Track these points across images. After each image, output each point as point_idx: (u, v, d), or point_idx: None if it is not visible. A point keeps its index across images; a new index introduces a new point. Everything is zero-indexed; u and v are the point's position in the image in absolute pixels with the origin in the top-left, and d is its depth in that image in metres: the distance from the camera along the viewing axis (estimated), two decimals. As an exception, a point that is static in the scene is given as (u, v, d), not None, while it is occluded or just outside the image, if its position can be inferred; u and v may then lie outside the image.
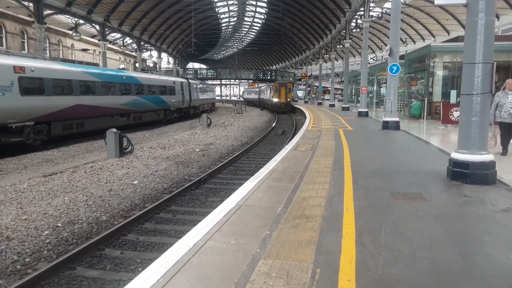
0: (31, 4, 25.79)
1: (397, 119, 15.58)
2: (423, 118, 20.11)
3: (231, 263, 3.40)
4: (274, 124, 27.05)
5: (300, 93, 72.50)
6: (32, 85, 15.31)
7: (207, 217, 4.68)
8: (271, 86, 44.57)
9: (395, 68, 15.05)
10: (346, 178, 6.79)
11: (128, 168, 11.12)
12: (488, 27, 6.19)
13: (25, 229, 6.41)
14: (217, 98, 71.02)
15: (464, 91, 6.44)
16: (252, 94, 67.87)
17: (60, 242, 6.16)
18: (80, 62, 20.68)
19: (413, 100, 23.36)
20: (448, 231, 4.24)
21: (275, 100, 41.29)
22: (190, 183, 9.68)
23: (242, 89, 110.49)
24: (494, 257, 3.61)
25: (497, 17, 35.45)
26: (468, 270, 3.34)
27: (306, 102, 58.97)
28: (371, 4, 25.14)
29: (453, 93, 18.65)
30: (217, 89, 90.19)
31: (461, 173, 6.35)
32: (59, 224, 6.74)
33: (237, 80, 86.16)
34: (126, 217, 7.37)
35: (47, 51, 32.84)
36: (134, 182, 9.73)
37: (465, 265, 3.44)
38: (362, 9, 26.48)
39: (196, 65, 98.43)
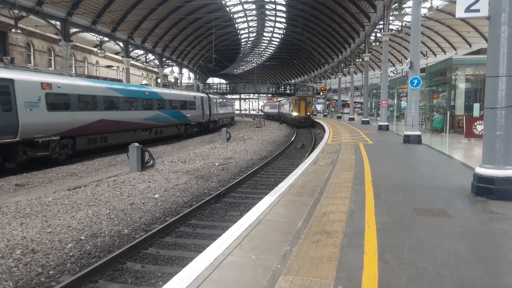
0: (58, 23, 26.78)
1: (418, 133, 15.35)
2: (446, 132, 19.74)
3: (252, 279, 3.40)
4: (293, 138, 26.99)
5: (319, 107, 72.32)
6: (58, 101, 15.79)
7: (227, 232, 4.70)
8: (290, 100, 43.67)
9: (416, 81, 14.90)
10: (367, 193, 6.71)
11: (150, 182, 11.27)
12: (511, 39, 6.10)
13: (49, 242, 6.55)
14: (236, 112, 71.53)
15: (488, 104, 6.33)
16: (273, 108, 67.24)
17: (83, 255, 6.26)
18: (104, 78, 21.25)
19: (435, 113, 23.00)
20: (474, 249, 4.13)
21: (295, 114, 40.42)
22: (209, 197, 9.73)
23: (261, 103, 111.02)
24: (523, 276, 3.49)
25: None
26: (496, 290, 3.24)
27: (325, 116, 58.75)
28: (391, 18, 25.07)
29: (476, 106, 18.28)
30: (236, 103, 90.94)
31: (486, 188, 6.20)
32: (83, 237, 6.86)
33: (256, 95, 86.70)
34: (147, 230, 7.45)
35: (73, 68, 33.93)
36: (155, 196, 9.84)
37: (492, 283, 3.34)
38: (381, 22, 26.43)
39: (216, 80, 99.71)
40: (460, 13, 6.48)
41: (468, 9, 6.40)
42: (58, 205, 8.72)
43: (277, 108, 59.38)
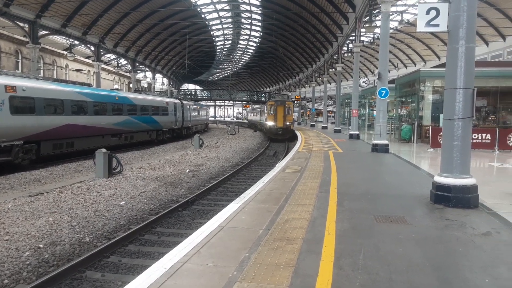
0: (26, 25, 26.03)
1: (386, 142, 15.71)
2: (413, 141, 20.30)
3: (206, 286, 3.38)
4: (266, 146, 27.10)
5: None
6: (23, 105, 15.30)
7: (187, 239, 4.66)
8: (266, 106, 36.40)
9: (384, 92, 15.28)
10: (331, 200, 6.80)
11: (116, 189, 11.05)
12: (468, 54, 6.36)
13: (5, 250, 6.32)
14: (211, 119, 71.18)
15: (446, 115, 6.56)
16: (253, 115, 57.57)
17: (41, 263, 6.06)
18: (73, 82, 20.75)
19: (403, 123, 23.63)
20: (427, 255, 4.25)
21: (270, 123, 32.51)
22: (177, 204, 9.64)
23: (236, 110, 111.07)
24: (470, 281, 3.62)
25: (486, 43, 36.39)
26: (443, 294, 3.34)
27: (299, 124, 59.29)
28: (362, 30, 25.69)
29: (442, 117, 18.87)
30: (211, 110, 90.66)
31: (443, 196, 6.40)
32: (41, 245, 6.64)
33: (231, 102, 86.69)
34: (110, 238, 7.29)
35: (41, 71, 32.98)
36: (121, 203, 9.65)
37: (441, 289, 3.44)
38: (353, 34, 27.04)
39: (191, 86, 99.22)
40: (420, 27, 6.71)
41: (428, 24, 6.64)
42: (17, 212, 8.44)
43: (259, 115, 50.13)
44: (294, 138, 30.49)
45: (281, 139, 31.20)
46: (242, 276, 3.58)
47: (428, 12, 6.59)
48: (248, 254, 4.15)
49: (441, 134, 16.78)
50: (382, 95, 15.32)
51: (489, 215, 5.94)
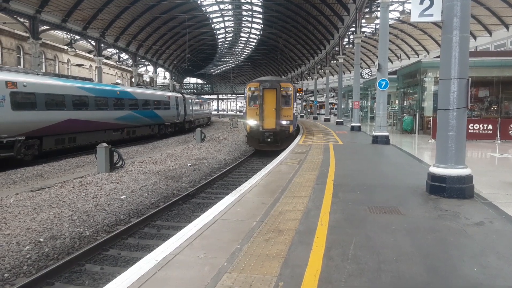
0: (26, 21, 26.06)
1: (386, 133, 15.68)
2: (415, 133, 20.24)
3: (196, 277, 3.45)
4: (268, 139, 26.97)
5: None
6: (24, 100, 15.40)
7: (180, 232, 4.73)
8: (245, 91, 19.56)
9: (384, 83, 15.22)
10: (327, 192, 6.84)
11: (117, 183, 11.15)
12: (462, 43, 6.34)
13: (6, 244, 6.43)
14: (213, 112, 71.15)
15: (441, 106, 6.56)
16: None
17: (41, 257, 6.17)
18: (74, 77, 20.81)
19: (405, 114, 23.54)
20: (417, 245, 4.29)
21: (251, 122, 18.47)
22: (177, 198, 9.72)
23: (239, 103, 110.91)
24: (458, 270, 3.66)
25: (490, 33, 36.08)
26: (430, 283, 3.38)
27: (301, 116, 59.15)
28: (363, 21, 25.52)
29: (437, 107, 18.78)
30: (214, 103, 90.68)
31: (439, 187, 6.42)
32: (41, 239, 6.75)
33: (233, 95, 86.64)
34: (110, 232, 7.39)
35: (43, 66, 33.08)
36: (122, 197, 9.75)
37: (429, 278, 3.48)
38: (354, 25, 26.86)
39: (193, 80, 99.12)
40: (414, 17, 6.68)
41: (422, 14, 6.61)
42: (19, 207, 8.55)
43: None
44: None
45: (272, 147, 18.33)
46: (232, 267, 3.64)
47: (422, 2, 6.55)
48: (239, 246, 4.21)
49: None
50: (382, 86, 15.27)
51: (483, 205, 5.96)
